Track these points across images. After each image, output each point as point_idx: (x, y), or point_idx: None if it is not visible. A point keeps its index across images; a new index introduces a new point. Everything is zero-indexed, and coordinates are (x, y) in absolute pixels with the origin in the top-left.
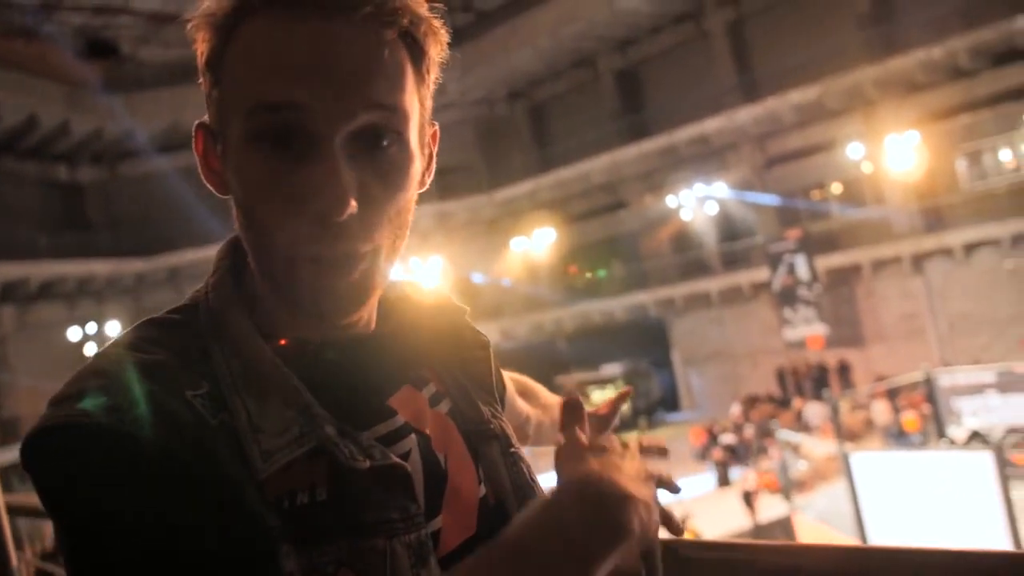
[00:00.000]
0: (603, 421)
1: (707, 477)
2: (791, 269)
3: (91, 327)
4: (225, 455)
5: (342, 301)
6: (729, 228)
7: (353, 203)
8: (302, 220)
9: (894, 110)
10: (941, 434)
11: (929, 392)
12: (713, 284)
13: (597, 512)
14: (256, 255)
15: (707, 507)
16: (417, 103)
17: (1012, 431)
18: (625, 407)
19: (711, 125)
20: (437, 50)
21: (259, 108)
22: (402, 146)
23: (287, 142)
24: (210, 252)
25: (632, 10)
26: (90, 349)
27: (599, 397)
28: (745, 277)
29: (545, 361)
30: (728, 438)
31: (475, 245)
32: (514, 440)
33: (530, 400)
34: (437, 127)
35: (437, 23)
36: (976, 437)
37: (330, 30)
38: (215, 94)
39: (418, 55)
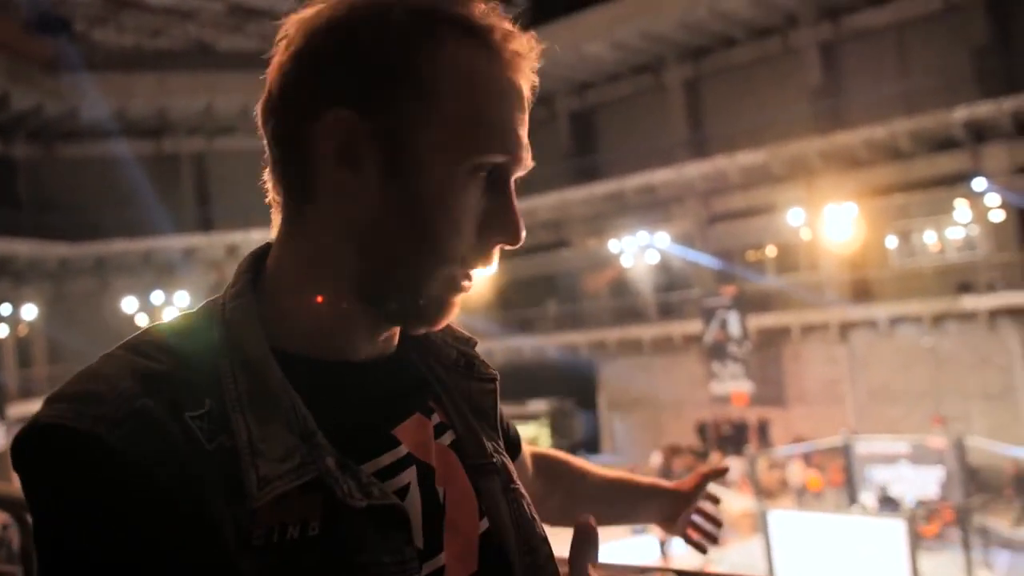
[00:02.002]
0: (686, 497)
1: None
2: (723, 325)
3: (5, 308)
4: (212, 486)
5: (447, 314)
6: (667, 278)
7: None
8: (480, 241)
9: (835, 182)
10: (853, 499)
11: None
12: (646, 332)
13: None
14: (398, 257)
15: (621, 552)
16: None
17: (921, 503)
18: (546, 440)
19: (660, 176)
20: None
21: (487, 155)
22: None
23: (484, 176)
24: (143, 245)
25: (595, 56)
26: (1, 331)
27: (522, 432)
28: (678, 328)
29: None
30: None
31: None
32: (515, 476)
33: (556, 479)
34: None
35: None
36: (888, 501)
37: (521, 79)
38: (413, 106)
39: None
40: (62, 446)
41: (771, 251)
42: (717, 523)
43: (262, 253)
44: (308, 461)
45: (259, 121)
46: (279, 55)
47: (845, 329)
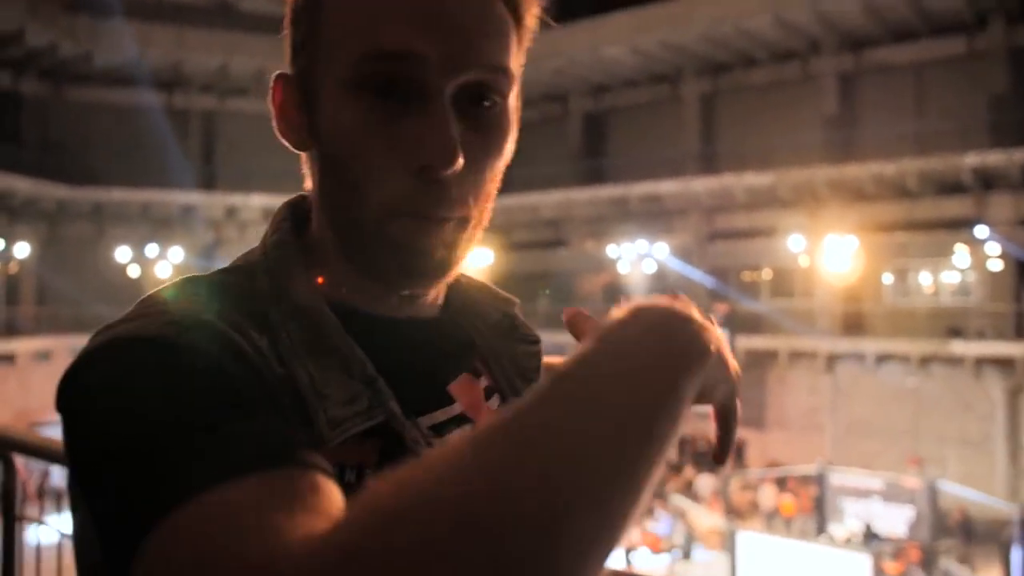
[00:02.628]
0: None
1: None
2: None
3: None
4: (288, 404)
5: (429, 265)
6: (661, 288)
7: (461, 158)
8: (405, 173)
9: (838, 212)
10: (822, 529)
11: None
12: None
13: (667, 332)
14: (340, 211)
15: None
16: (515, 67)
17: (889, 540)
18: None
19: (666, 187)
20: (532, 21)
21: (372, 56)
22: (504, 109)
23: (394, 91)
24: (143, 196)
25: (614, 59)
26: None
27: None
28: None
29: None
30: None
31: None
32: None
33: None
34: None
35: None
36: (872, 536)
37: None
38: (310, 40)
39: (518, 17)
40: (131, 354)
41: (767, 274)
42: None
43: (298, 202)
44: (375, 404)
45: None
46: None
47: (832, 360)
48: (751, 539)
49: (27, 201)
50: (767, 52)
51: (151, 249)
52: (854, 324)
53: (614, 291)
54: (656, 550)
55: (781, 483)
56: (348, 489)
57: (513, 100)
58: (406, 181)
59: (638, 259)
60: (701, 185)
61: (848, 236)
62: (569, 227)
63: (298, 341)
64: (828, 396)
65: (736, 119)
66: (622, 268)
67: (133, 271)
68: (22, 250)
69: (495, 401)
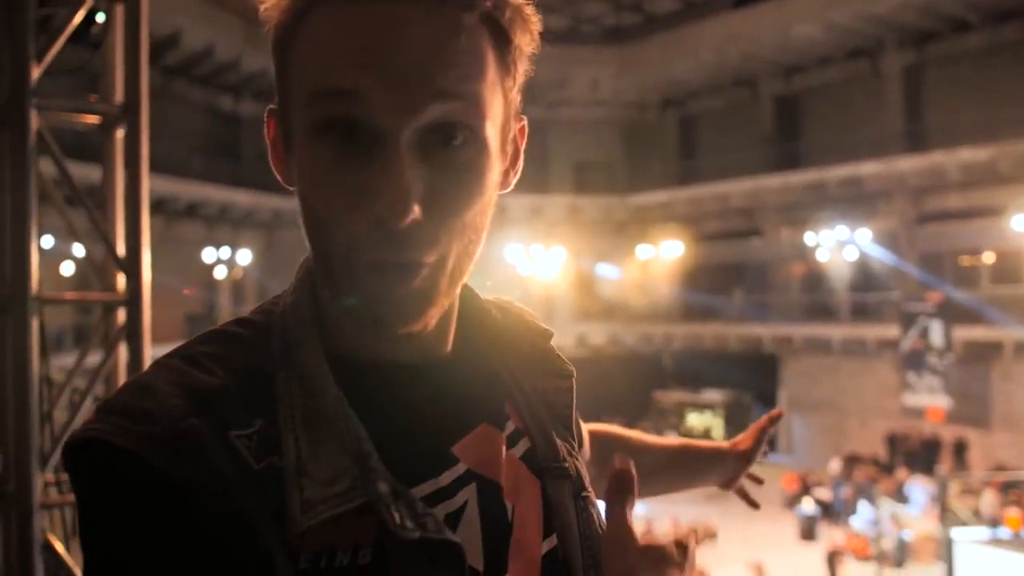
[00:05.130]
0: (746, 456)
1: (790, 527)
2: (924, 333)
3: (224, 251)
4: (259, 508)
5: (401, 309)
6: (865, 277)
7: (416, 209)
8: (362, 222)
9: None
10: None
11: None
12: (837, 332)
13: None
14: (316, 256)
15: (786, 560)
16: (500, 96)
17: None
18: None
19: (867, 169)
20: (526, 39)
21: (318, 96)
22: (478, 145)
23: (352, 135)
24: None
25: (806, 37)
26: (220, 272)
27: (695, 420)
28: (872, 331)
29: (647, 373)
30: (823, 492)
31: (600, 244)
32: (587, 482)
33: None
34: (525, 122)
35: (528, 10)
36: None
37: (401, 13)
38: (282, 78)
39: (503, 43)
40: (103, 461)
41: (989, 258)
42: (759, 481)
43: None
44: (359, 485)
45: None
46: None
47: None
48: (973, 550)
49: (247, 212)
50: (982, 14)
51: None
52: None
53: (814, 281)
54: (862, 556)
55: (1008, 489)
56: (339, 571)
57: (496, 128)
58: (366, 230)
59: (838, 246)
60: (907, 164)
61: None
62: (762, 215)
63: (299, 408)
64: None
65: (946, 91)
66: (821, 256)
67: None
68: (244, 257)
69: (522, 446)
